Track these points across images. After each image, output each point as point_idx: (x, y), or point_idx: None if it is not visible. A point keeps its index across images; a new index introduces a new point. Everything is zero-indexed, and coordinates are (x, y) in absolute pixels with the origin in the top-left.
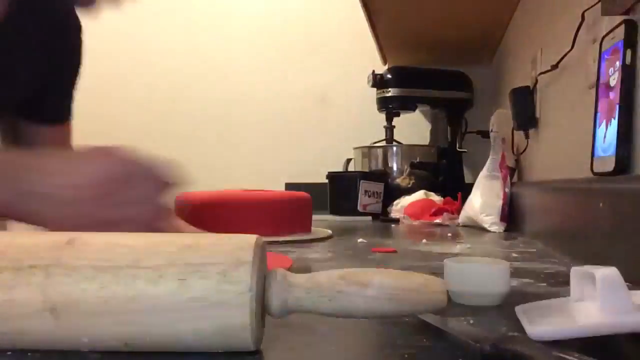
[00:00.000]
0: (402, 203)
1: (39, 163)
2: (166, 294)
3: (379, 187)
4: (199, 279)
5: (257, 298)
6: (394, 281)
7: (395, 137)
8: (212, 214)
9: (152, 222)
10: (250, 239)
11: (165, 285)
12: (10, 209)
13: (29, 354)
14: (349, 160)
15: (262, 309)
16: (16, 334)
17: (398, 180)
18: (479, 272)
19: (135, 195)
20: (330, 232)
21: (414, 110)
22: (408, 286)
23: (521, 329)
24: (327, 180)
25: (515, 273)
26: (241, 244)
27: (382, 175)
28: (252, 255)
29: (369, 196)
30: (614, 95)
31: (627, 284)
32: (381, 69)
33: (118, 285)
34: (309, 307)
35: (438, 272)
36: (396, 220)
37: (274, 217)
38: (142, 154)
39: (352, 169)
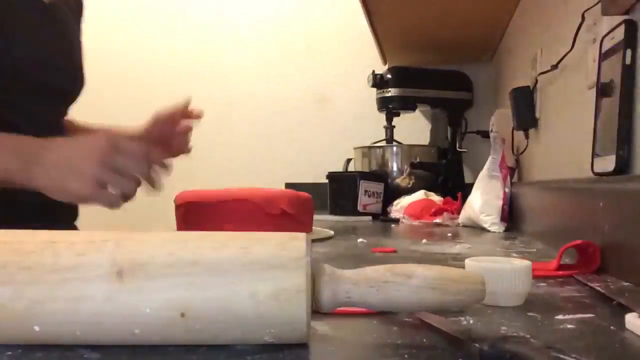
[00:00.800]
0: (402, 203)
1: (45, 143)
2: (228, 258)
3: (379, 187)
4: (259, 247)
5: (310, 283)
6: (436, 272)
7: (395, 137)
8: (212, 213)
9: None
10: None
11: (227, 251)
12: (19, 177)
13: (30, 353)
14: (349, 160)
15: (312, 304)
16: (75, 301)
17: (398, 180)
18: (503, 272)
19: (124, 163)
20: (332, 232)
21: (414, 110)
22: (449, 276)
23: (520, 329)
24: (327, 180)
25: None
26: (294, 233)
27: (382, 175)
28: (305, 235)
29: (369, 196)
30: (614, 96)
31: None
32: (381, 69)
33: (184, 252)
34: (357, 299)
35: None
36: (396, 220)
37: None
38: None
39: (352, 169)
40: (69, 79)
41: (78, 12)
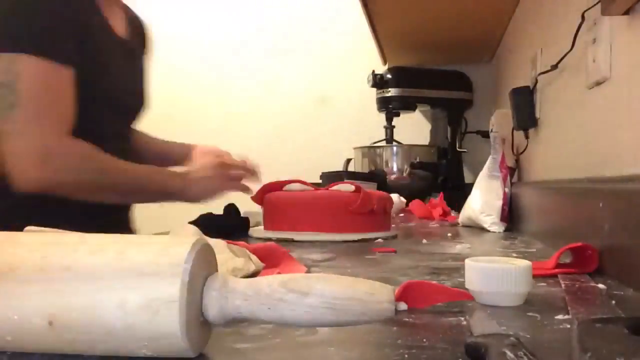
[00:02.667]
0: None
1: (186, 174)
2: (101, 264)
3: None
4: (137, 252)
5: (193, 294)
6: (337, 290)
7: (395, 137)
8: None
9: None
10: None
11: (103, 256)
12: (178, 193)
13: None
14: (348, 160)
15: (201, 313)
16: None
17: (392, 178)
18: (503, 272)
19: (232, 174)
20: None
21: (414, 110)
22: (351, 295)
23: (520, 329)
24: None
25: None
26: (188, 237)
27: (377, 175)
28: (195, 240)
29: None
30: None
31: None
32: (381, 69)
33: (59, 256)
34: (247, 315)
35: (438, 272)
36: None
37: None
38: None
39: (352, 169)
40: (138, 101)
41: (144, 45)
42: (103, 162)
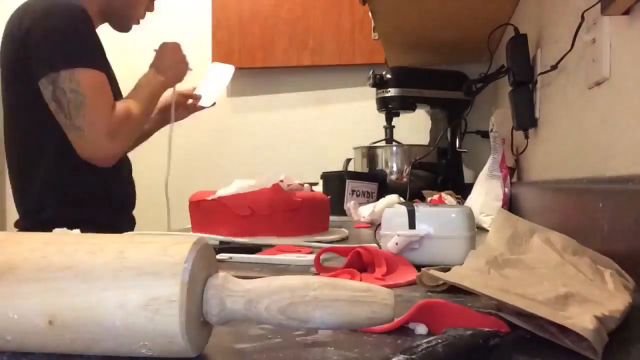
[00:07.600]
0: (368, 208)
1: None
2: (101, 264)
3: (370, 186)
4: (138, 252)
5: (193, 294)
6: (336, 317)
7: (395, 137)
8: (231, 214)
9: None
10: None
11: (103, 256)
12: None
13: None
14: (348, 160)
15: (201, 313)
16: None
17: (392, 178)
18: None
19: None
20: (346, 232)
21: (414, 110)
22: (351, 321)
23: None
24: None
25: None
26: (188, 237)
27: (376, 175)
28: (196, 240)
29: (358, 196)
30: None
31: None
32: (381, 69)
33: (59, 256)
34: (247, 316)
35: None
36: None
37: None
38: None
39: (352, 169)
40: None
41: None
42: (134, 107)
